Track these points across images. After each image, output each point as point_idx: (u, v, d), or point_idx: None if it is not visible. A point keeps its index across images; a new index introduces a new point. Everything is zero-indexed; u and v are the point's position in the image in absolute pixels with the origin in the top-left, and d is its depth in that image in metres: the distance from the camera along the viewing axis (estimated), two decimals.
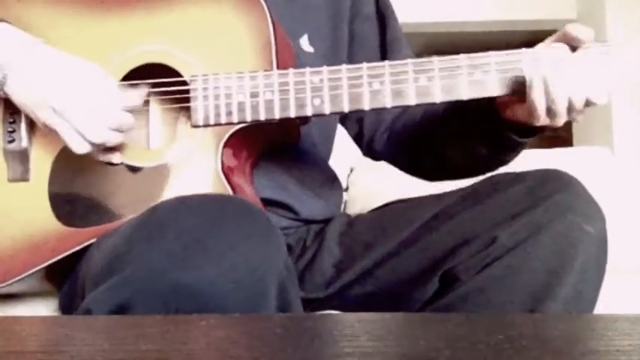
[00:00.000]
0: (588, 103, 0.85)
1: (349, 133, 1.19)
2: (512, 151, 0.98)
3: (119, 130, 0.90)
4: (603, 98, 0.85)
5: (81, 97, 0.88)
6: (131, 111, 0.92)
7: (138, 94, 0.93)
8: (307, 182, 1.06)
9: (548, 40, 0.89)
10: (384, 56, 1.12)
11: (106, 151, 0.92)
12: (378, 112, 1.10)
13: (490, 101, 0.92)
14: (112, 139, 0.90)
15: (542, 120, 0.87)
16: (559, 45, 0.87)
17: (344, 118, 1.17)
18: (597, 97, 0.85)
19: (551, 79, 0.85)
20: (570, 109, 0.86)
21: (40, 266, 0.92)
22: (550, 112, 0.86)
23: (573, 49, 0.87)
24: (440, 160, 1.07)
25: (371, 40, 1.14)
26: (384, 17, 1.15)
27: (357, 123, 1.16)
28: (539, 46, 0.89)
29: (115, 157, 0.92)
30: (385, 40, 1.14)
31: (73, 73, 0.89)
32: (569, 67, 0.85)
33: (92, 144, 0.89)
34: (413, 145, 1.10)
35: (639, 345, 0.48)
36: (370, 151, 1.17)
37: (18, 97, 0.89)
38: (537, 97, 0.85)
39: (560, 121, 0.87)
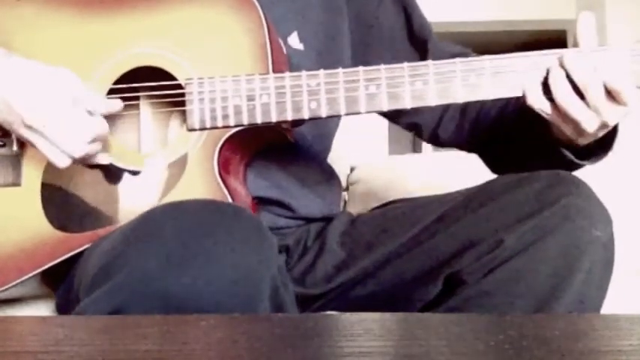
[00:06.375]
0: (610, 93, 0.84)
1: (401, 124, 1.15)
2: (567, 168, 0.95)
3: (97, 141, 0.88)
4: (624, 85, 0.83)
5: (55, 113, 0.85)
6: (121, 114, 0.91)
7: (117, 102, 0.90)
8: (303, 179, 1.05)
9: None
10: (417, 48, 1.10)
11: (90, 158, 0.90)
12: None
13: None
14: (92, 149, 0.88)
15: (571, 129, 0.86)
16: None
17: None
18: (616, 83, 0.83)
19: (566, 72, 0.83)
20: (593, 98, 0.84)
21: (35, 272, 0.91)
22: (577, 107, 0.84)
23: None
24: (505, 160, 1.05)
25: (394, 28, 1.11)
26: (405, 3, 1.12)
27: (412, 115, 1.10)
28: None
29: (103, 158, 0.91)
30: (413, 29, 1.11)
31: (45, 87, 0.86)
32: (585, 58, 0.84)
33: (73, 158, 0.87)
34: (483, 138, 1.08)
35: (639, 345, 0.48)
36: (435, 138, 1.14)
37: None
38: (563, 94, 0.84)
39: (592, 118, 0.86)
